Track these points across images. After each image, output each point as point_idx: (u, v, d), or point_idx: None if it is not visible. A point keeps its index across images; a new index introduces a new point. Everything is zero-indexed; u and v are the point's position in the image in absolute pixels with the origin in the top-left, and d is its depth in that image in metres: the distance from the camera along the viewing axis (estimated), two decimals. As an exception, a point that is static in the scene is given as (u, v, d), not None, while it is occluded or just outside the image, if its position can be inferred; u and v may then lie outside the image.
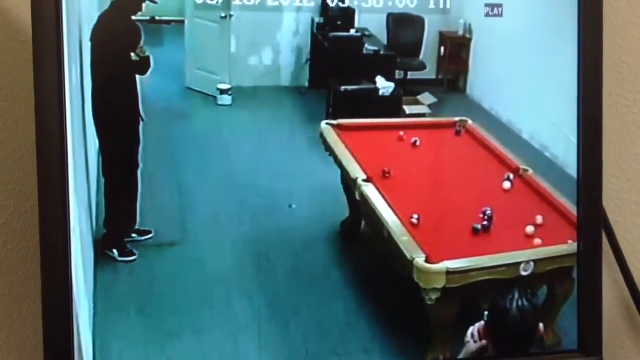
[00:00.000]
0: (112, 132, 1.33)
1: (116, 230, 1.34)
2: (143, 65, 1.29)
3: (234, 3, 1.32)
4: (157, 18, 1.31)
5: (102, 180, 1.34)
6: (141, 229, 1.35)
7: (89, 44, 1.27)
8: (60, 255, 1.18)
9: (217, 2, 1.32)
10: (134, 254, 1.34)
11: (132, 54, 1.29)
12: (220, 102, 1.41)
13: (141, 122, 1.30)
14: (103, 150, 1.32)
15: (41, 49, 1.16)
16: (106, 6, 1.26)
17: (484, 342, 1.34)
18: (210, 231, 1.40)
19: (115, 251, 1.34)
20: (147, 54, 1.29)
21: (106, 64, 1.28)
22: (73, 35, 1.21)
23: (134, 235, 1.35)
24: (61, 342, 1.19)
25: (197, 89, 1.44)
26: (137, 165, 1.32)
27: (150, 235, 1.35)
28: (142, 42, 1.29)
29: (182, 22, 1.38)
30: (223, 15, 1.36)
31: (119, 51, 1.29)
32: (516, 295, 1.31)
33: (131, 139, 1.31)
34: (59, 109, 1.17)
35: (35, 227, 1.19)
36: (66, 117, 1.18)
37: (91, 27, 1.27)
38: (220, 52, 1.43)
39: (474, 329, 1.34)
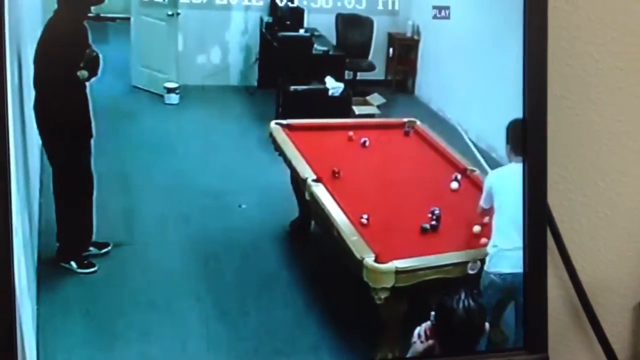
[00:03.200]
0: (61, 146, 1.28)
1: (71, 243, 1.31)
2: (93, 66, 1.26)
3: (181, 1, 1.31)
4: (102, 15, 1.30)
5: (45, 188, 1.31)
6: (99, 241, 1.32)
7: (34, 50, 1.23)
8: (2, 255, 1.16)
9: (164, 0, 1.31)
10: (94, 265, 1.32)
11: (79, 73, 1.24)
12: (167, 101, 1.40)
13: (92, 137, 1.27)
14: (53, 164, 1.28)
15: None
16: (50, 12, 1.23)
17: (430, 342, 1.35)
18: (158, 232, 1.38)
19: (73, 263, 1.31)
20: (96, 52, 1.27)
21: (54, 72, 1.25)
22: (14, 35, 1.19)
23: (91, 248, 1.32)
24: (4, 345, 1.17)
25: (144, 88, 1.42)
26: (91, 178, 1.29)
27: (108, 248, 1.32)
28: (89, 40, 1.26)
29: (128, 19, 1.36)
30: (170, 13, 1.35)
31: (68, 57, 1.26)
32: (462, 295, 1.32)
33: (83, 152, 1.28)
34: (1, 108, 1.15)
35: (-24, 229, 1.17)
36: (8, 118, 1.16)
37: (33, 27, 1.25)
38: (167, 51, 1.41)
39: (420, 329, 1.35)
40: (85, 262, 1.32)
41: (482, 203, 1.46)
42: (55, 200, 1.30)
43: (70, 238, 1.31)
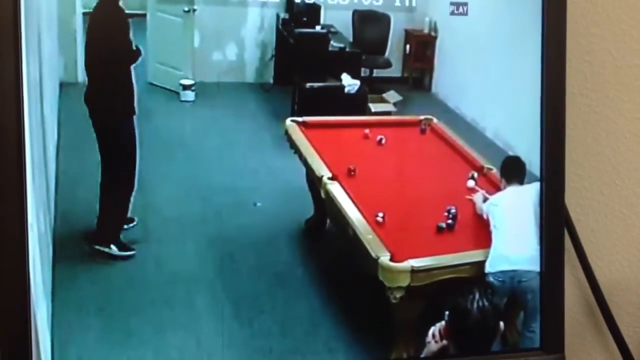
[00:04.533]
0: (109, 126, 1.31)
1: (112, 226, 1.33)
2: (137, 52, 1.30)
3: (197, -3, 1.31)
4: (118, 11, 1.29)
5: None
6: (125, 243, 1.35)
7: (84, 37, 1.26)
8: (18, 252, 1.16)
9: (180, -4, 1.31)
10: (133, 249, 1.33)
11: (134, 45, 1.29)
12: (183, 98, 1.39)
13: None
14: (101, 146, 1.30)
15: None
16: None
17: (444, 342, 1.34)
18: (173, 229, 1.38)
19: (112, 247, 1.33)
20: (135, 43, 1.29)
21: (102, 56, 1.28)
22: (31, 28, 1.19)
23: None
24: (19, 342, 1.17)
25: (159, 84, 1.42)
26: (135, 158, 1.31)
27: (134, 223, 1.34)
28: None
29: (144, 15, 1.35)
30: (186, 9, 1.34)
31: (115, 41, 1.29)
32: (476, 295, 1.32)
33: (128, 133, 1.30)
34: (16, 105, 1.14)
35: (-8, 224, 1.17)
36: (23, 113, 1.15)
37: (49, 16, 1.25)
38: (183, 47, 1.41)
39: (434, 329, 1.35)
40: (124, 245, 1.34)
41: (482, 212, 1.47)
42: (101, 182, 1.31)
43: (112, 221, 1.33)
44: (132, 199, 1.32)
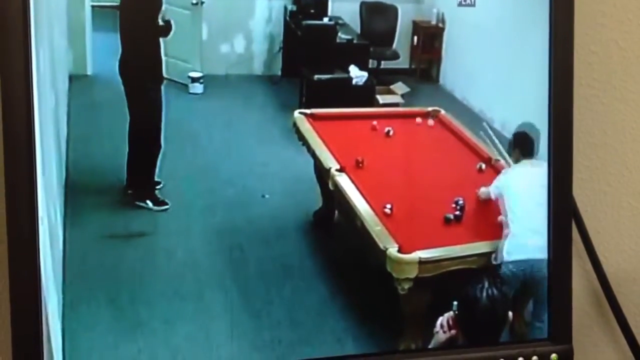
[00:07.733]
0: (138, 92, 1.34)
1: (144, 185, 1.36)
2: (166, 29, 1.32)
3: (205, -11, 1.31)
4: (127, 4, 1.29)
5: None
6: (160, 199, 1.37)
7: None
8: (28, 245, 1.17)
9: (188, -11, 1.31)
10: (167, 203, 1.36)
11: (160, 20, 1.32)
12: (191, 91, 1.39)
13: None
14: (131, 110, 1.32)
15: (7, 38, 1.14)
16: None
17: (453, 331, 1.35)
18: (182, 221, 1.38)
19: (148, 202, 1.36)
20: (168, 18, 1.32)
21: (134, 29, 1.31)
22: (41, 21, 1.19)
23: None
24: (30, 334, 1.18)
25: (168, 77, 1.42)
26: (160, 123, 1.34)
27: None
28: (163, 8, 1.30)
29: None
30: (194, 1, 1.34)
31: (145, 16, 1.32)
32: (486, 284, 1.32)
33: (155, 100, 1.33)
34: (26, 99, 1.15)
35: (3, 217, 1.17)
36: (33, 106, 1.16)
37: (59, 13, 1.25)
38: (192, 40, 1.41)
39: (443, 319, 1.35)
40: (160, 200, 1.37)
41: (491, 194, 1.46)
42: (129, 145, 1.33)
43: (142, 181, 1.36)
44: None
